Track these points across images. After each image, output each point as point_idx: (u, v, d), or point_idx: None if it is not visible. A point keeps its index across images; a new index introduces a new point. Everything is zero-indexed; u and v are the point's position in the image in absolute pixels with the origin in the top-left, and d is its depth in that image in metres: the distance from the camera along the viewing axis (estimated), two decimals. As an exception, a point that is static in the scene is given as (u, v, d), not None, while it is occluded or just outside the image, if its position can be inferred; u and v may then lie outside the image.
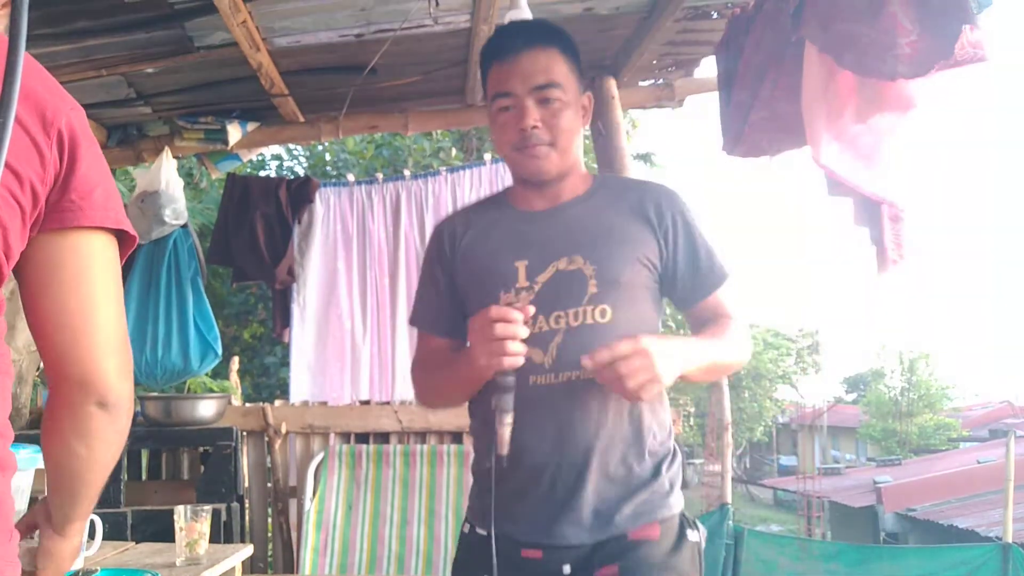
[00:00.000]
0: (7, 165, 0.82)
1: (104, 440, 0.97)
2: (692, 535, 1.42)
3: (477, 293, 1.44)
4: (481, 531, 1.44)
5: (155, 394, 3.80)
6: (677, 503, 1.44)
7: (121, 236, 0.98)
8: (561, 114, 1.42)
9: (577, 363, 1.33)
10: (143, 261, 3.75)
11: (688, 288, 1.48)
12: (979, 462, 14.89)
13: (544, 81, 1.41)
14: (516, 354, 1.28)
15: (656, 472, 1.42)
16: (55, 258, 0.91)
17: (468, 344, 1.36)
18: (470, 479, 3.34)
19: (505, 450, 1.30)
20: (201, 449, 3.59)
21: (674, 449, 1.47)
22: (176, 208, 3.65)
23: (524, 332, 1.28)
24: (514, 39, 1.46)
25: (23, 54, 0.76)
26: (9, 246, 0.86)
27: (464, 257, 1.50)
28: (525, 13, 2.53)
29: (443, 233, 1.56)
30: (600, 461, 1.37)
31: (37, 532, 1.07)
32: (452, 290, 1.52)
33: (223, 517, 2.94)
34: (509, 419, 1.29)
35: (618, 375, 1.23)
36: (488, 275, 1.44)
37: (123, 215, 0.98)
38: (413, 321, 1.60)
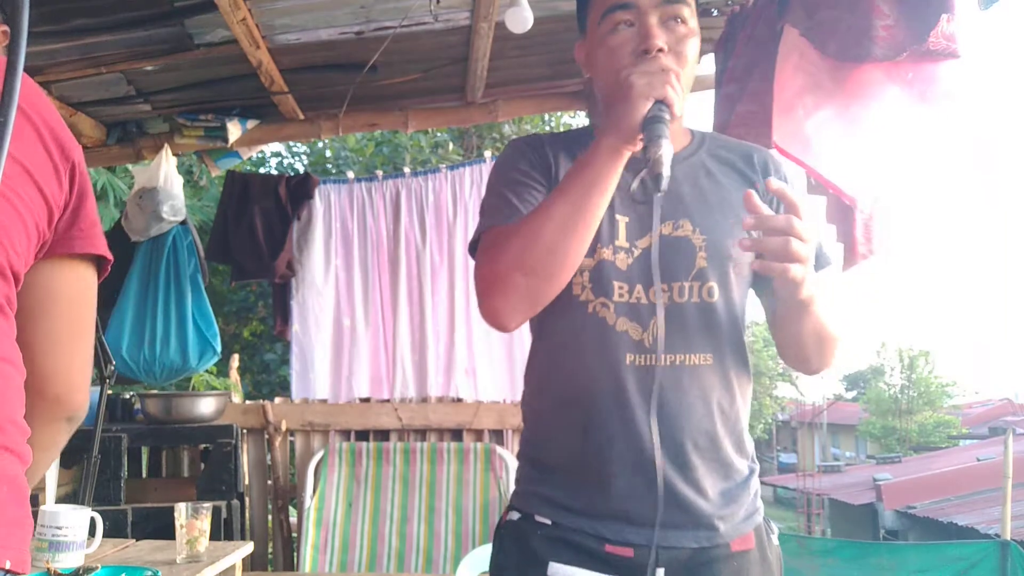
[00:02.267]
0: (36, 184, 0.90)
1: (60, 447, 1.05)
2: (774, 539, 1.28)
3: None
4: (543, 519, 1.22)
5: (155, 392, 3.80)
6: (761, 505, 1.29)
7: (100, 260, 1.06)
8: (688, 41, 1.20)
9: (680, 346, 1.17)
10: (142, 258, 3.75)
11: None
12: (978, 460, 14.92)
13: None
14: (678, 91, 1.08)
15: (751, 472, 1.26)
16: (54, 285, 0.98)
17: (607, 107, 1.13)
18: (470, 476, 3.38)
19: (666, 170, 1.03)
20: (201, 447, 3.59)
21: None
22: (174, 204, 3.65)
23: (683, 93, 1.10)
24: None
25: (23, 54, 0.76)
26: (18, 254, 0.91)
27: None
28: (525, 11, 2.53)
29: (543, 147, 1.28)
30: (702, 457, 1.19)
31: None
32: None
33: (223, 514, 2.95)
34: (667, 145, 1.04)
35: (788, 235, 1.04)
36: None
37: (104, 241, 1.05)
38: (498, 218, 1.21)
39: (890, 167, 1.85)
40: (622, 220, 1.20)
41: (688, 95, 1.20)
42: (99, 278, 1.06)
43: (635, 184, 1.18)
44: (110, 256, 1.03)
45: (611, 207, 1.17)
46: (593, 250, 1.17)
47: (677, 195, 1.22)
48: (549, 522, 1.21)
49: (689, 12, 1.20)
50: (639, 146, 1.09)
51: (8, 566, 0.86)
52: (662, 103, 1.07)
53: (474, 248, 1.24)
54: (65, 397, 1.00)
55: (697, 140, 1.31)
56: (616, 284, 1.19)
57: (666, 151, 1.03)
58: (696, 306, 1.19)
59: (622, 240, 1.20)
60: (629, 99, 1.07)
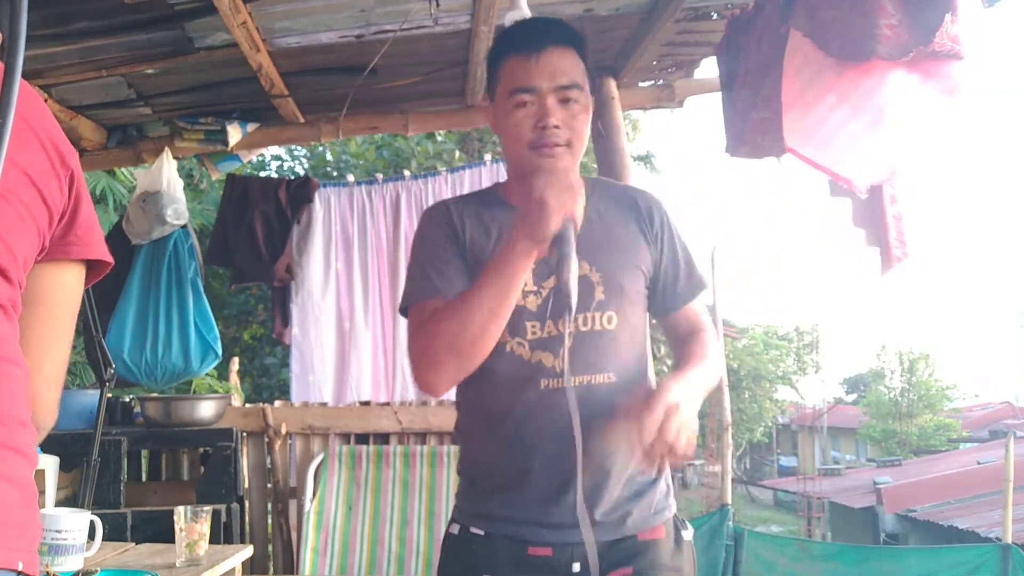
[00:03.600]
0: (38, 191, 0.93)
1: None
2: (686, 534, 1.46)
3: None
4: (477, 531, 1.43)
5: (155, 395, 3.80)
6: (673, 503, 1.48)
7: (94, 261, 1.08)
8: (580, 116, 1.41)
9: (587, 367, 1.37)
10: (143, 261, 3.75)
11: (670, 296, 1.50)
12: (979, 463, 14.89)
13: (568, 81, 1.40)
14: (580, 208, 1.29)
15: (659, 473, 1.44)
16: (36, 287, 0.99)
17: (521, 213, 1.27)
18: (470, 480, 3.36)
19: (574, 295, 1.26)
20: (201, 450, 3.59)
21: None
22: (177, 208, 3.66)
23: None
24: (539, 35, 1.42)
25: (22, 55, 0.76)
26: (22, 259, 0.93)
27: (470, 251, 1.44)
28: (525, 14, 2.53)
29: (450, 214, 1.47)
30: (612, 463, 1.38)
31: None
32: (461, 267, 1.43)
33: (223, 518, 2.94)
34: (575, 266, 1.26)
35: (667, 447, 1.21)
36: None
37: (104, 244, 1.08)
38: (418, 294, 1.42)
39: (905, 160, 1.85)
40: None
41: (581, 154, 1.44)
42: (97, 279, 1.08)
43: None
44: (110, 259, 1.05)
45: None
46: None
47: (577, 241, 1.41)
48: (482, 532, 1.42)
49: (580, 92, 1.41)
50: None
51: (21, 567, 0.87)
52: (569, 220, 1.25)
53: (404, 312, 1.45)
54: (37, 392, 0.98)
55: (589, 187, 1.51)
56: (529, 324, 1.39)
57: (573, 272, 1.25)
58: (598, 333, 1.40)
59: (530, 284, 1.39)
60: (544, 215, 1.23)
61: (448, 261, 1.43)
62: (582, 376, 1.37)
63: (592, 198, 1.49)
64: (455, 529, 1.47)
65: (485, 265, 1.34)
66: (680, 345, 1.51)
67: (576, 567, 1.36)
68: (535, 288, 1.40)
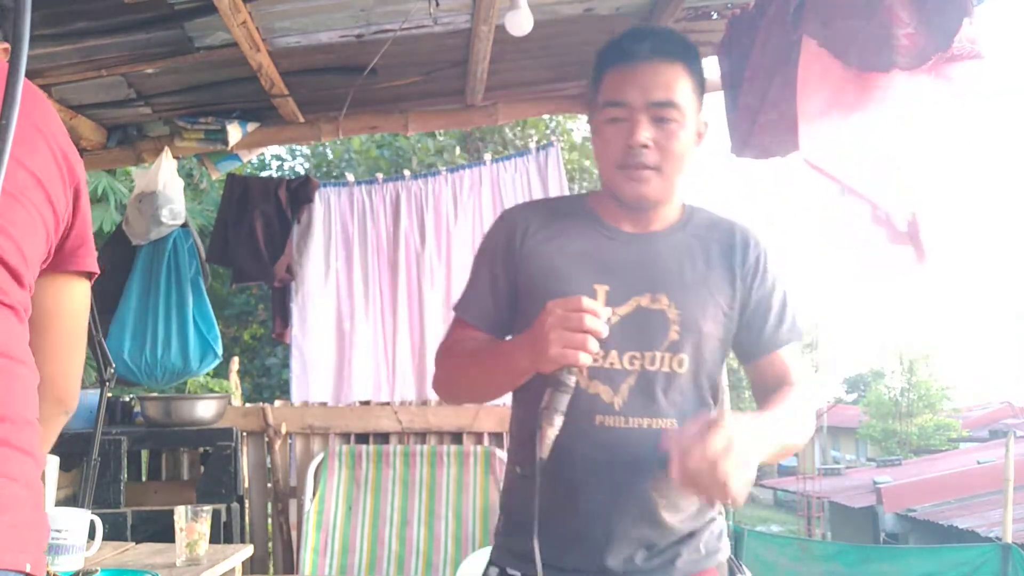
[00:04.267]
0: (48, 199, 0.97)
1: (56, 433, 1.18)
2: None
3: (543, 302, 1.19)
4: (514, 572, 1.35)
5: (155, 395, 3.80)
6: (727, 545, 1.39)
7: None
8: (675, 136, 1.29)
9: (647, 411, 1.28)
10: (143, 261, 3.75)
11: (756, 341, 1.38)
12: (979, 463, 14.89)
13: (663, 98, 1.28)
14: (593, 353, 1.14)
15: (711, 519, 1.36)
16: (59, 300, 1.09)
17: (531, 330, 1.19)
18: (470, 479, 3.38)
19: (546, 454, 1.17)
20: (201, 449, 3.59)
21: None
22: (173, 208, 3.65)
23: (605, 332, 1.15)
24: (638, 45, 1.31)
25: (26, 56, 0.77)
26: (33, 263, 0.97)
27: (534, 257, 1.35)
28: (525, 14, 2.53)
29: (514, 225, 1.39)
30: (666, 511, 1.29)
31: None
32: (509, 287, 1.38)
33: (223, 517, 2.95)
34: (559, 422, 1.17)
35: (717, 486, 1.07)
36: (560, 287, 1.27)
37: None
38: (458, 308, 1.43)
39: (922, 176, 1.83)
40: (601, 289, 1.27)
41: (680, 179, 1.34)
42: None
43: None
44: (97, 271, 1.13)
45: (591, 274, 1.29)
46: None
47: (659, 268, 1.33)
48: (519, 575, 1.34)
49: (679, 112, 1.29)
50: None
51: (29, 569, 0.88)
52: (572, 368, 1.15)
53: (459, 308, 1.44)
54: (67, 398, 1.13)
55: (686, 216, 1.41)
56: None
57: (554, 430, 1.16)
58: (665, 375, 1.30)
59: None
60: (544, 356, 1.14)
61: (477, 288, 1.41)
62: (640, 419, 1.28)
63: (687, 227, 1.39)
64: (493, 573, 1.39)
65: (498, 347, 1.33)
66: (762, 397, 1.38)
67: None
68: (609, 311, 1.29)
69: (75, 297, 1.10)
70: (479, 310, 1.40)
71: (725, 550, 1.37)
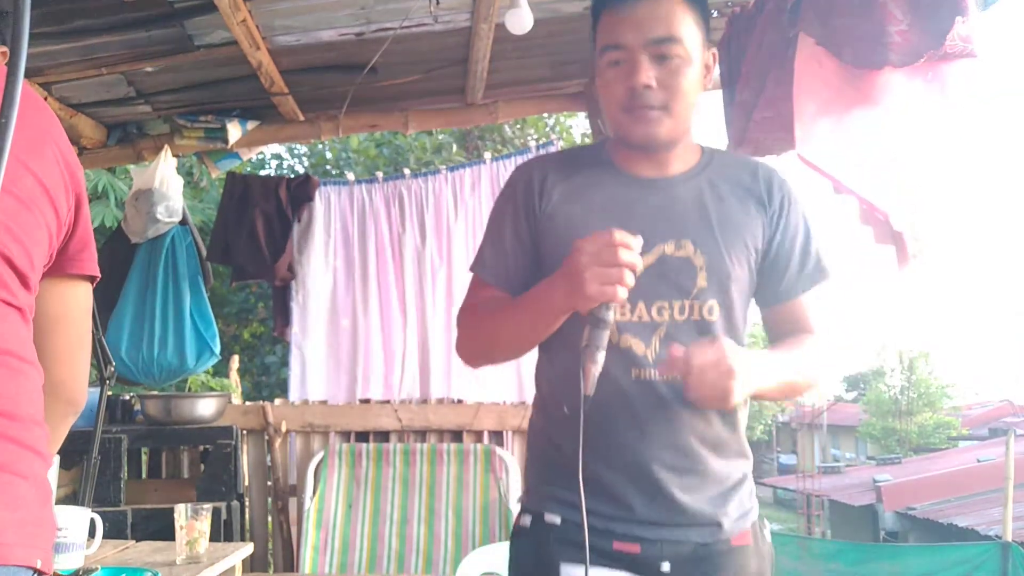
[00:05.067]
0: (53, 204, 0.98)
1: (64, 434, 1.19)
2: (766, 534, 1.36)
3: (564, 257, 1.17)
4: (552, 518, 1.30)
5: (155, 393, 3.80)
6: (756, 503, 1.37)
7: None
8: (680, 73, 1.24)
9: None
10: (141, 259, 3.75)
11: (776, 283, 1.34)
12: (979, 461, 14.91)
13: (663, 34, 1.22)
14: (629, 286, 1.12)
15: (746, 473, 1.35)
16: (65, 304, 1.11)
17: (564, 271, 1.16)
18: (470, 477, 3.38)
19: (591, 391, 1.14)
20: (201, 448, 3.59)
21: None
22: (169, 206, 3.64)
23: (640, 264, 1.14)
24: None
25: (25, 55, 0.77)
26: (37, 265, 0.98)
27: (554, 212, 1.31)
28: (525, 13, 2.53)
29: (532, 177, 1.35)
30: (704, 462, 1.27)
31: None
32: (530, 244, 1.33)
33: (223, 516, 2.94)
34: (601, 357, 1.14)
35: (687, 384, 1.13)
36: None
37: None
38: (476, 267, 1.37)
39: (919, 174, 1.83)
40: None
41: (690, 116, 1.29)
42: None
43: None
44: (99, 274, 1.15)
45: (613, 224, 1.17)
46: None
47: (682, 213, 1.28)
48: (559, 520, 1.29)
49: (681, 47, 1.23)
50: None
51: (39, 565, 0.89)
52: (611, 302, 1.13)
53: (477, 267, 1.38)
54: (76, 399, 1.15)
55: (705, 158, 1.35)
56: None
57: (598, 367, 1.14)
58: (696, 323, 1.27)
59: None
60: (580, 293, 1.12)
61: (496, 245, 1.36)
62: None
63: (706, 170, 1.34)
64: (526, 520, 1.34)
65: (527, 293, 1.27)
66: (775, 343, 1.36)
67: (666, 566, 1.25)
68: None
69: (79, 300, 1.13)
70: (499, 268, 1.35)
71: (756, 508, 1.35)
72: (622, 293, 1.12)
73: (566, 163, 1.37)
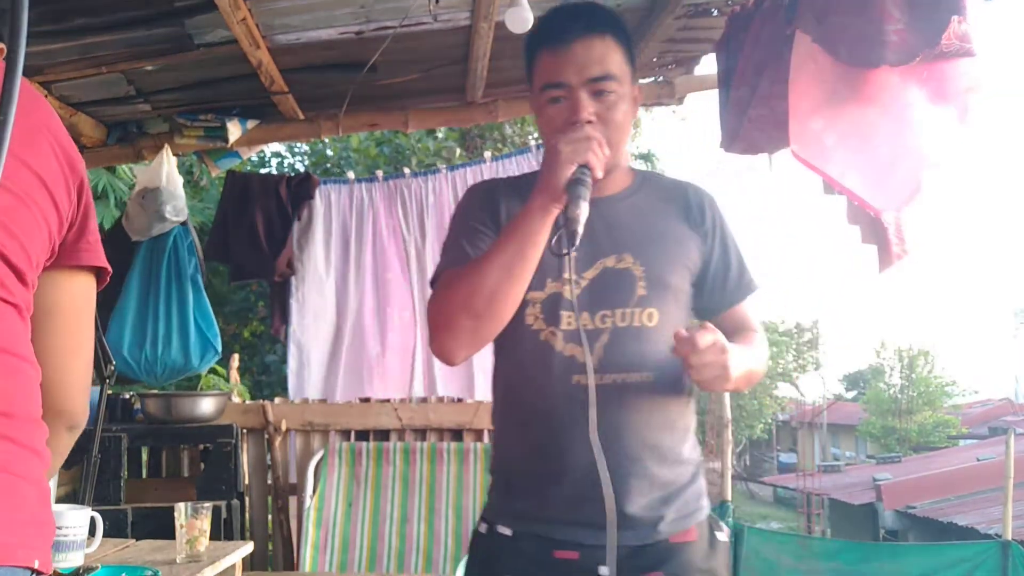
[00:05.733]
0: (51, 196, 0.95)
1: (63, 454, 1.12)
2: (720, 535, 1.40)
3: None
4: (504, 530, 1.38)
5: (155, 392, 3.80)
6: (707, 504, 1.42)
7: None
8: (616, 107, 1.35)
9: (622, 366, 1.32)
10: (143, 258, 3.75)
11: (718, 296, 1.44)
12: (978, 460, 14.91)
13: (600, 72, 1.33)
14: (599, 157, 1.24)
15: (692, 476, 1.39)
16: (56, 297, 1.02)
17: (540, 173, 1.27)
18: (470, 476, 3.38)
19: (580, 228, 1.20)
20: (201, 446, 3.59)
21: (700, 453, 1.46)
22: (177, 205, 3.65)
23: (603, 138, 1.26)
24: (568, 24, 1.35)
25: (23, 52, 0.77)
26: (35, 260, 0.95)
27: None
28: (525, 11, 2.53)
29: (495, 193, 1.45)
30: (643, 466, 1.33)
31: None
32: None
33: (223, 514, 2.95)
34: (584, 206, 1.21)
35: (690, 363, 1.21)
36: None
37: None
38: (450, 263, 1.40)
39: (912, 173, 1.83)
40: (571, 253, 1.30)
41: (624, 145, 1.42)
42: (99, 287, 1.09)
43: (554, 239, 1.28)
44: (109, 267, 1.07)
45: (559, 244, 1.26)
46: (543, 284, 1.33)
47: (621, 230, 1.38)
48: (509, 532, 1.37)
49: (616, 83, 1.34)
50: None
51: (36, 565, 0.88)
52: (585, 167, 1.23)
53: (434, 285, 1.40)
54: (67, 408, 1.04)
55: (639, 180, 1.47)
56: (564, 314, 1.34)
57: (583, 211, 1.21)
58: (637, 330, 1.34)
59: (570, 273, 1.33)
60: (556, 163, 1.23)
61: (483, 233, 1.40)
62: (616, 374, 1.32)
63: (641, 190, 1.45)
64: (483, 528, 1.43)
65: (506, 225, 1.32)
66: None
67: (603, 571, 1.30)
68: (575, 277, 1.33)
69: (75, 292, 1.04)
70: (476, 252, 1.37)
71: (705, 508, 1.41)
72: (592, 159, 1.23)
73: (516, 187, 1.44)
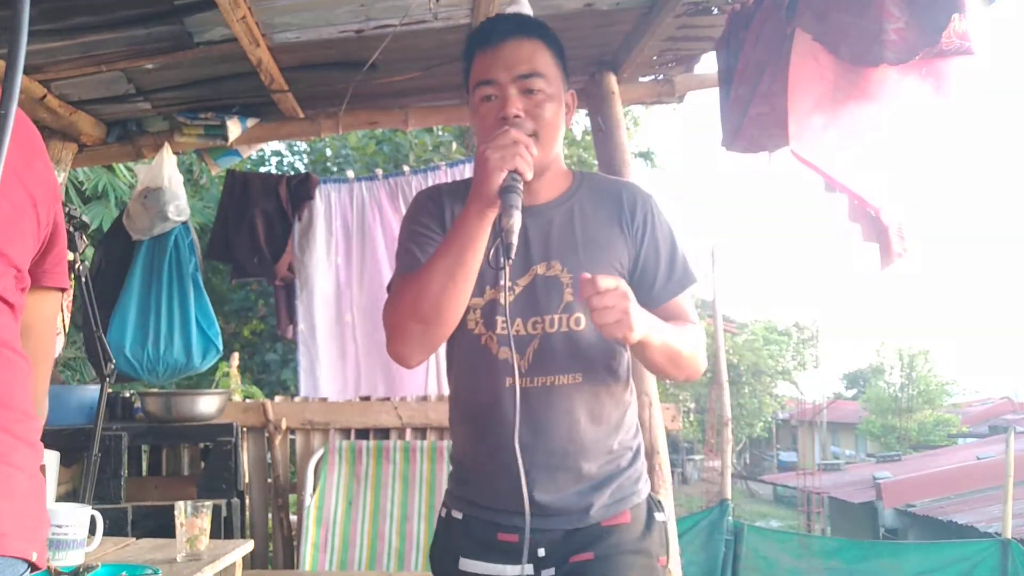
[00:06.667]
0: (36, 214, 1.02)
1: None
2: (659, 516, 1.48)
3: None
4: (456, 515, 1.50)
5: (155, 390, 3.80)
6: (645, 488, 1.50)
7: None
8: (544, 105, 1.40)
9: (550, 368, 1.40)
10: (144, 257, 3.75)
11: (650, 292, 1.47)
12: (978, 458, 14.90)
13: (527, 70, 1.40)
14: (527, 160, 1.27)
15: (628, 464, 1.48)
16: (30, 318, 1.10)
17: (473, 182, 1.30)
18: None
19: (515, 239, 1.24)
20: (201, 445, 3.59)
21: (640, 442, 1.54)
22: (179, 205, 3.66)
23: (531, 143, 1.29)
24: (497, 28, 1.45)
25: (24, 51, 0.77)
26: (26, 265, 1.01)
27: None
28: (525, 9, 2.52)
29: (440, 198, 1.51)
30: (574, 462, 1.42)
31: None
32: None
33: (223, 513, 2.95)
34: (516, 215, 1.24)
35: (593, 304, 1.23)
36: None
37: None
38: (401, 269, 1.47)
39: (912, 171, 1.83)
40: (507, 263, 1.35)
41: (557, 144, 1.46)
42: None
43: (491, 251, 1.33)
44: (68, 287, 1.20)
45: (496, 257, 1.31)
46: (482, 291, 1.42)
47: (552, 238, 1.45)
48: (460, 516, 1.49)
49: (544, 81, 1.40)
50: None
51: (34, 558, 0.90)
52: (515, 173, 1.26)
53: (389, 291, 1.46)
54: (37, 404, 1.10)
55: (575, 184, 1.52)
56: (499, 319, 1.41)
57: (516, 221, 1.24)
58: (565, 335, 1.42)
59: (505, 281, 1.40)
60: (486, 171, 1.26)
61: (431, 238, 1.46)
62: (544, 377, 1.41)
63: (577, 193, 1.50)
64: (443, 512, 1.55)
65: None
66: None
67: (541, 552, 1.41)
68: (510, 284, 1.41)
69: (45, 312, 1.15)
70: (425, 257, 1.42)
71: (643, 492, 1.49)
72: (522, 164, 1.26)
73: (460, 192, 1.48)
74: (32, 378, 1.06)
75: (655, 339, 1.33)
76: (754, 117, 2.23)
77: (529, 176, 1.28)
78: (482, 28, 1.49)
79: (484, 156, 1.27)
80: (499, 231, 1.26)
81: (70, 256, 1.25)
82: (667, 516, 1.51)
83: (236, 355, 5.97)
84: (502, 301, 1.38)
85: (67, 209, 2.40)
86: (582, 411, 1.43)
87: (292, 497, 3.59)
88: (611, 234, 1.47)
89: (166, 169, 3.58)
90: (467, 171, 4.00)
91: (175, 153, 3.69)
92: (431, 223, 1.48)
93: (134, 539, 2.30)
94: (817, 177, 1.93)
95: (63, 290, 1.19)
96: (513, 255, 1.24)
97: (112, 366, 2.69)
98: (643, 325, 1.27)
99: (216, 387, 5.39)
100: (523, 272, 1.43)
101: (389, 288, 1.47)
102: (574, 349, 1.42)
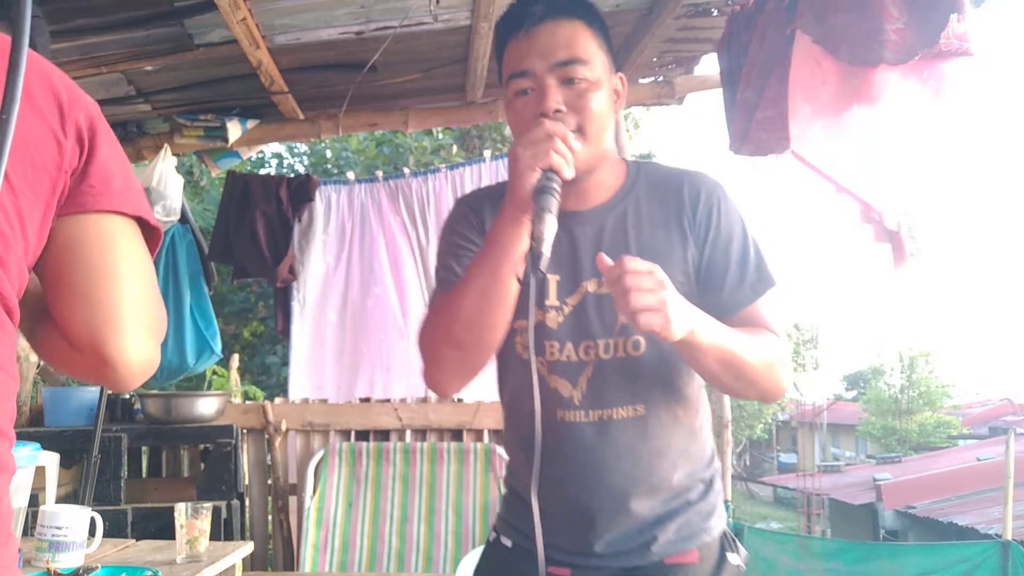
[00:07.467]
0: (29, 160, 0.84)
1: (84, 377, 0.99)
2: (733, 558, 1.30)
3: None
4: (506, 541, 1.37)
5: (155, 392, 3.80)
6: (718, 525, 1.31)
7: (147, 230, 0.96)
8: (589, 95, 1.20)
9: (607, 401, 1.23)
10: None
11: (722, 298, 1.25)
12: (979, 460, 14.90)
13: (567, 56, 1.19)
14: (564, 156, 1.10)
15: (699, 498, 1.30)
16: (76, 238, 0.89)
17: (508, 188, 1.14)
18: (470, 476, 3.38)
19: (546, 248, 1.05)
20: (201, 447, 3.59)
21: (716, 470, 1.35)
22: (167, 205, 3.64)
23: (578, 146, 1.13)
24: (530, 9, 1.22)
25: (26, 51, 0.76)
26: (28, 240, 0.86)
27: None
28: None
29: (480, 205, 1.34)
30: (637, 499, 1.25)
31: None
32: None
33: (223, 514, 2.94)
34: (550, 220, 1.06)
35: (623, 288, 1.03)
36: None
37: (145, 206, 0.95)
38: (440, 285, 1.31)
39: (914, 173, 1.84)
40: (553, 279, 1.24)
41: (607, 138, 1.25)
42: (151, 244, 0.98)
43: (564, 315, 1.22)
44: (129, 210, 0.93)
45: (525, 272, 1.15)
46: (525, 311, 1.15)
47: (604, 248, 1.22)
48: (510, 544, 1.36)
49: (587, 68, 1.20)
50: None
51: None
52: (550, 171, 1.10)
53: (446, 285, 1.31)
54: (98, 349, 0.90)
55: (630, 180, 1.31)
56: (547, 343, 1.25)
57: (549, 227, 1.06)
58: (620, 361, 1.24)
59: (552, 299, 1.25)
60: (517, 171, 1.11)
61: (470, 250, 1.29)
62: (601, 410, 1.24)
63: (632, 191, 1.29)
64: (492, 536, 1.41)
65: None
66: None
67: None
68: (558, 303, 1.24)
69: (102, 234, 0.90)
70: (463, 271, 1.27)
71: (714, 529, 1.30)
72: (557, 160, 1.09)
73: (501, 196, 1.26)
74: (12, 396, 0.87)
75: (704, 339, 1.11)
76: (761, 121, 2.23)
77: (568, 174, 1.11)
78: (512, 11, 1.26)
79: (515, 154, 1.11)
80: (529, 240, 1.07)
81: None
82: (742, 558, 1.31)
83: (236, 357, 5.97)
84: (551, 323, 1.23)
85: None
86: (645, 448, 1.25)
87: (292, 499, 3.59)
88: (671, 238, 1.26)
89: (158, 170, 3.57)
90: (467, 174, 4.01)
91: (175, 155, 3.69)
92: (470, 232, 1.31)
93: (134, 541, 2.30)
94: (823, 179, 1.94)
95: (140, 220, 0.93)
96: (544, 267, 1.05)
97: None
98: (686, 319, 1.07)
99: (209, 387, 5.39)
100: (572, 290, 1.24)
101: (431, 304, 1.32)
102: (633, 377, 1.24)
